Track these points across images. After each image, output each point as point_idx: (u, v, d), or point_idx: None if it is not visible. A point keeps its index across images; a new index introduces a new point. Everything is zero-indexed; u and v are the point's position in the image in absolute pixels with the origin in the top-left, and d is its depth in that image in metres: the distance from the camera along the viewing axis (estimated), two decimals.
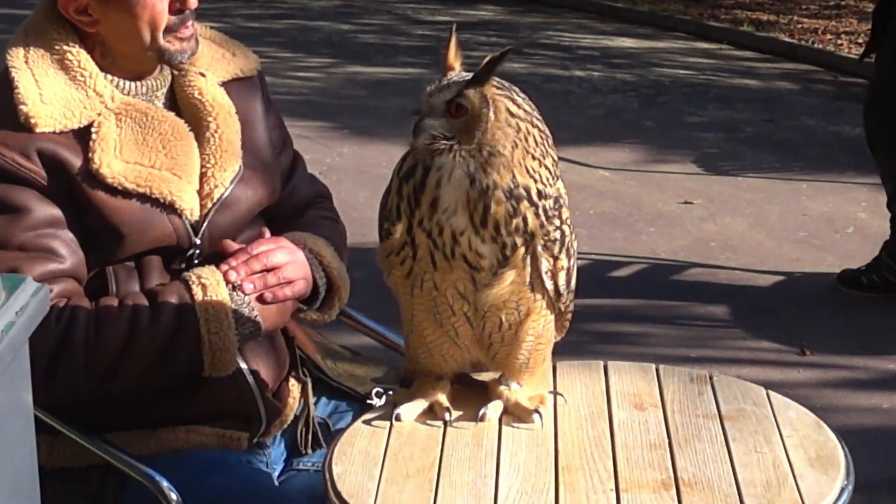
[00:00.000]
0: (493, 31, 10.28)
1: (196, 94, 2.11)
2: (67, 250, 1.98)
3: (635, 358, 3.14)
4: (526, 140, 1.69)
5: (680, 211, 5.76)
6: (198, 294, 1.97)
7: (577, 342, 2.27)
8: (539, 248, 1.73)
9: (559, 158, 1.76)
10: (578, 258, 1.84)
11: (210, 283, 1.99)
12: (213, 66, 2.17)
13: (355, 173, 6.21)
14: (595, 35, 10.37)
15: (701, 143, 6.92)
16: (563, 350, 1.96)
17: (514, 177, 1.68)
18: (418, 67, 8.79)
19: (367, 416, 1.88)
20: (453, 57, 1.76)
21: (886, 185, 4.74)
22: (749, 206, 5.82)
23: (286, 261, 2.07)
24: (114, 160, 1.99)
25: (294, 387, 2.23)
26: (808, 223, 5.59)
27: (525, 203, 1.69)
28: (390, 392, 2.19)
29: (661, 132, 7.18)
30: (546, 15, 11.29)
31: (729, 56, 9.49)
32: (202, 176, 2.08)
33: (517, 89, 1.73)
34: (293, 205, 2.30)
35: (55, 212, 1.98)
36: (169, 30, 2.02)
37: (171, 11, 2.02)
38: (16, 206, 1.95)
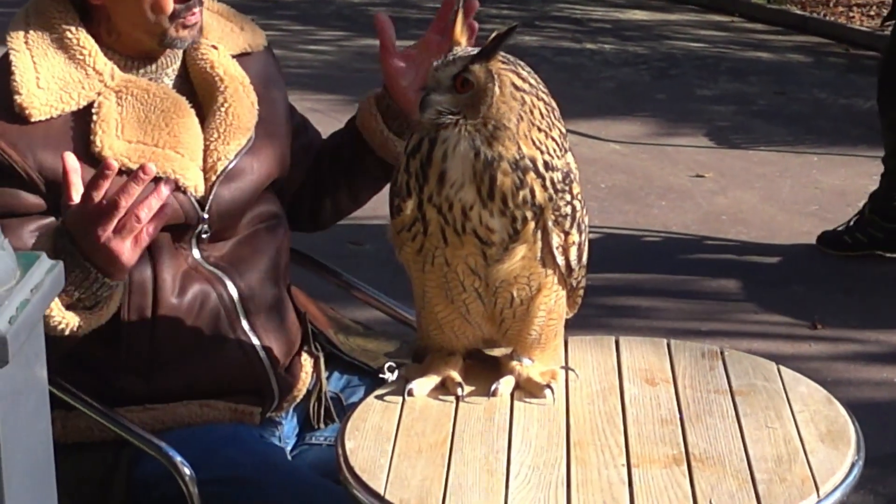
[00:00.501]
0: (505, 3, 10.22)
1: (208, 68, 2.11)
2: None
3: (646, 332, 3.14)
4: (531, 113, 1.69)
5: (691, 184, 5.74)
6: None
7: (588, 316, 2.27)
8: (550, 223, 1.73)
9: (570, 132, 1.76)
10: (589, 232, 1.84)
11: None
12: (223, 39, 2.17)
13: None
14: (606, 7, 10.31)
15: (712, 117, 6.90)
16: (575, 324, 1.96)
17: (519, 148, 1.68)
18: None
19: (379, 391, 1.89)
20: (459, 31, 1.76)
21: (888, 138, 4.74)
22: (760, 180, 5.80)
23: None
24: (115, 141, 1.99)
25: (306, 361, 2.23)
26: (819, 196, 5.57)
27: (532, 174, 1.69)
28: (403, 367, 2.20)
29: (673, 105, 7.15)
30: None
31: (741, 29, 9.43)
32: (205, 150, 2.07)
33: (522, 63, 1.73)
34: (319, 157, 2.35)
35: (34, 201, 1.97)
36: (174, 16, 2.00)
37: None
38: None
